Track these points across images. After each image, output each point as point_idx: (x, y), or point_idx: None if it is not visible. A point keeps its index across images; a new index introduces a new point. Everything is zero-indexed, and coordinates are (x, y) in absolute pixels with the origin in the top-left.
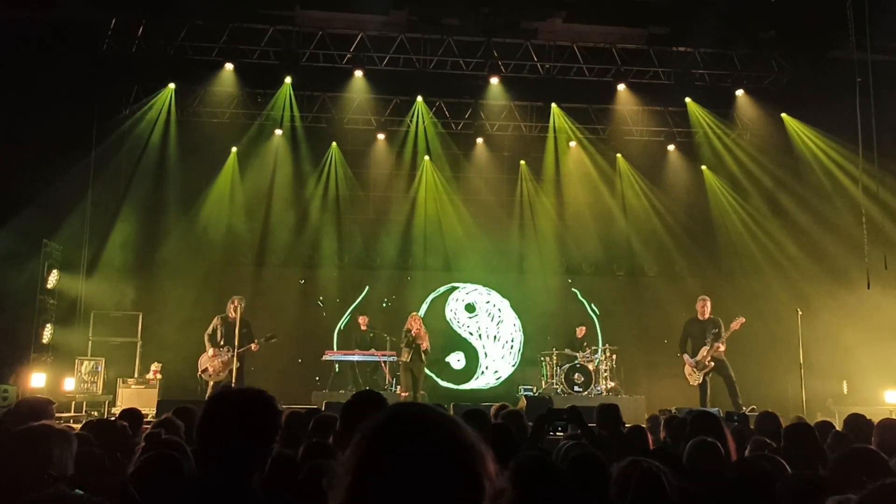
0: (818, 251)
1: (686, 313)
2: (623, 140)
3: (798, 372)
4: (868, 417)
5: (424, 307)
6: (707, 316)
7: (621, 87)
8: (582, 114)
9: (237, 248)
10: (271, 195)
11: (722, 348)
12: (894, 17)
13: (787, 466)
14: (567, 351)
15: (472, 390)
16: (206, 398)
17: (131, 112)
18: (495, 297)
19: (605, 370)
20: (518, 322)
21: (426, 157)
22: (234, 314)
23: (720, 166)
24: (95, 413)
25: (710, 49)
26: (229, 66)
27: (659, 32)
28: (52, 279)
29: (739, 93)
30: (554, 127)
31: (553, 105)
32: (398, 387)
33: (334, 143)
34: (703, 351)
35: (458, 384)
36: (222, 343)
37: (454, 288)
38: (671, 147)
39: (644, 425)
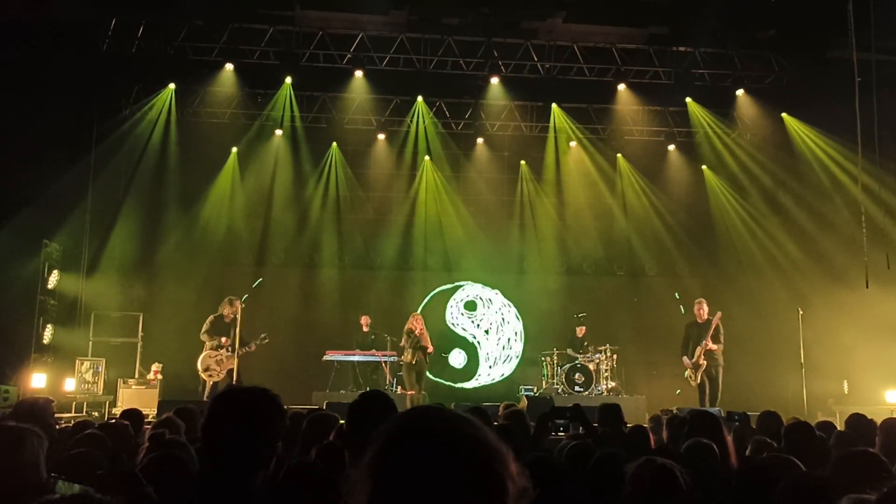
0: (818, 251)
1: (686, 313)
2: (623, 140)
3: (799, 372)
4: (869, 417)
5: (422, 307)
6: (705, 318)
7: (621, 86)
8: (582, 114)
9: (237, 248)
10: (271, 195)
11: (713, 346)
12: (894, 16)
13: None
14: (568, 351)
15: (472, 389)
16: (211, 398)
17: (131, 112)
18: (496, 296)
19: (606, 370)
20: (518, 321)
21: (426, 158)
22: (233, 315)
23: (720, 166)
24: (95, 413)
25: (711, 49)
26: (229, 67)
27: (659, 32)
28: (53, 279)
29: (739, 92)
30: (554, 127)
31: (553, 105)
32: (398, 387)
33: (334, 144)
34: (697, 350)
35: (459, 383)
36: (223, 342)
37: (455, 288)
38: (671, 147)
39: (645, 425)
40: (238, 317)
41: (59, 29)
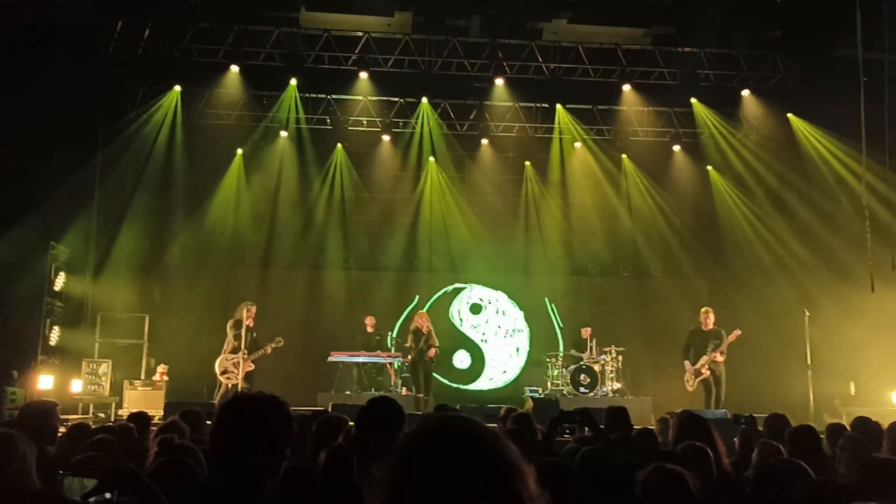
0: (825, 251)
1: (692, 314)
2: (628, 140)
3: (805, 373)
4: (876, 418)
5: (427, 308)
6: (710, 327)
7: (626, 87)
8: (587, 114)
9: (243, 249)
10: (277, 197)
11: (720, 358)
12: None
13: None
14: (573, 352)
15: (477, 391)
16: (220, 404)
17: (137, 115)
18: (500, 297)
19: (611, 371)
20: (523, 323)
21: (431, 159)
22: (248, 321)
23: (726, 166)
24: (102, 415)
25: (716, 49)
26: (235, 69)
27: (664, 33)
28: (60, 281)
29: (745, 93)
30: (559, 128)
31: (558, 106)
32: (403, 388)
33: (339, 145)
34: (703, 360)
35: (464, 385)
36: (239, 346)
37: (459, 289)
38: (677, 147)
39: (651, 426)
40: (252, 322)
41: (65, 31)
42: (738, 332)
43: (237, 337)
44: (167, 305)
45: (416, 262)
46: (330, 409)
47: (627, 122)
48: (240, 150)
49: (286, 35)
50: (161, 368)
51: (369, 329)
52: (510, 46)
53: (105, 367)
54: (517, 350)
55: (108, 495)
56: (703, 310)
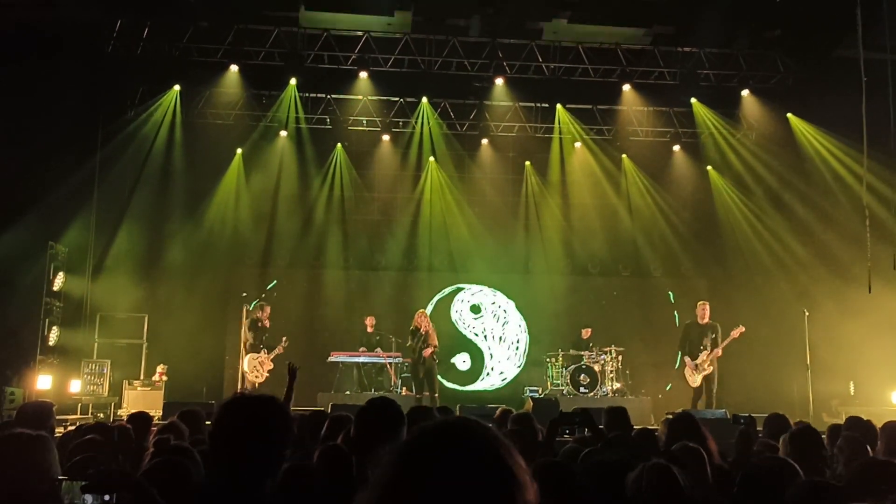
0: (824, 251)
1: (692, 313)
2: (628, 140)
3: (805, 373)
4: (876, 418)
5: (430, 308)
6: (706, 321)
7: (626, 87)
8: (587, 114)
9: (243, 249)
10: (276, 196)
11: (719, 354)
12: None
13: (798, 469)
14: (572, 352)
15: (477, 391)
16: (220, 404)
17: (136, 114)
18: (501, 297)
19: (611, 371)
20: (524, 323)
21: (431, 158)
22: (266, 320)
23: (725, 166)
24: (101, 415)
25: (716, 49)
26: (234, 68)
27: (664, 32)
28: (58, 281)
29: (745, 93)
30: (559, 128)
31: (558, 106)
32: (403, 388)
33: (339, 145)
34: (704, 355)
35: (464, 385)
36: (260, 346)
37: (459, 289)
38: (676, 147)
39: (651, 426)
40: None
41: (64, 31)
42: (741, 328)
43: (256, 336)
44: (167, 305)
45: (416, 261)
46: (330, 410)
47: (627, 121)
48: (239, 150)
49: (286, 34)
50: (160, 368)
51: (369, 329)
52: (510, 46)
53: (104, 367)
54: (517, 350)
55: (106, 497)
56: (699, 303)
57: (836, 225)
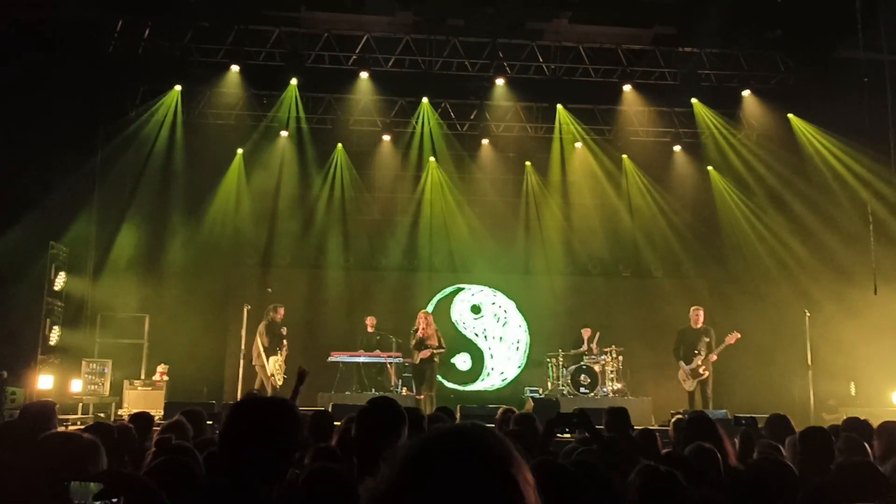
0: (825, 252)
1: (682, 317)
2: (629, 141)
3: (806, 373)
4: (876, 419)
5: (430, 308)
6: (700, 325)
7: (627, 87)
8: (587, 115)
9: (243, 249)
10: (277, 197)
11: (714, 359)
12: None
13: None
14: (573, 352)
15: (477, 392)
16: (231, 406)
17: (137, 114)
18: (501, 297)
19: (612, 371)
20: (524, 323)
21: (431, 159)
22: (279, 320)
23: (726, 167)
24: (102, 415)
25: (716, 49)
26: (235, 68)
27: (665, 33)
28: (60, 281)
29: (746, 93)
30: (559, 128)
31: (559, 106)
32: (404, 388)
33: (340, 145)
34: (699, 360)
35: (464, 385)
36: (277, 348)
37: (460, 289)
38: (677, 148)
39: (653, 427)
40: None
41: (65, 31)
42: (737, 334)
43: (274, 339)
44: (168, 305)
45: (417, 261)
46: (330, 410)
47: (628, 122)
48: (240, 150)
49: (287, 34)
50: (161, 368)
51: (370, 329)
52: (510, 46)
53: (105, 367)
54: (517, 350)
55: (114, 500)
56: (692, 308)
57: (837, 225)
